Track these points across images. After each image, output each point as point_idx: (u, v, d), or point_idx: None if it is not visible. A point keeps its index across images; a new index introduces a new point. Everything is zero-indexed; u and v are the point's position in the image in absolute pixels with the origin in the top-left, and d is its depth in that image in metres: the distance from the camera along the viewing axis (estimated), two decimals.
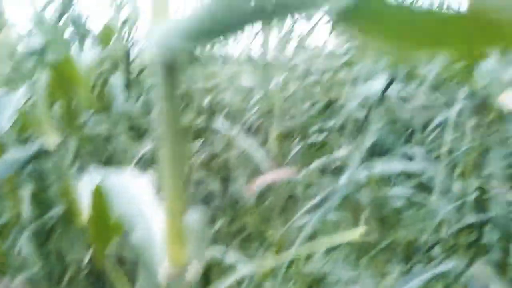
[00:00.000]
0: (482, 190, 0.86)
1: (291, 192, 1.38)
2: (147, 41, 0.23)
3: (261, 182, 0.76)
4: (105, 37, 1.43)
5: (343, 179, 0.83)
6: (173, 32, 0.20)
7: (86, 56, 1.29)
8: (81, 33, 1.46)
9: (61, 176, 0.73)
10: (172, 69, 0.22)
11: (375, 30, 0.16)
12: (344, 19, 0.16)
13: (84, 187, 0.58)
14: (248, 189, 0.77)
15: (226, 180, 1.93)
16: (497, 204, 0.79)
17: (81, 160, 1.12)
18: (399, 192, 1.14)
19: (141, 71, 1.53)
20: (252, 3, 0.18)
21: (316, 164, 1.05)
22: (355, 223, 1.23)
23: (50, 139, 0.63)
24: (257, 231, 1.42)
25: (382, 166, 0.90)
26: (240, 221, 1.51)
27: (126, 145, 1.28)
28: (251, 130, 2.06)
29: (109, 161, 1.32)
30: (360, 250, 1.21)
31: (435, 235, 1.05)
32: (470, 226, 0.89)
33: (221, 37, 0.19)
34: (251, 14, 0.18)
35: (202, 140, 1.91)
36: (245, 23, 0.19)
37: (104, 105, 1.28)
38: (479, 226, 0.87)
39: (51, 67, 0.73)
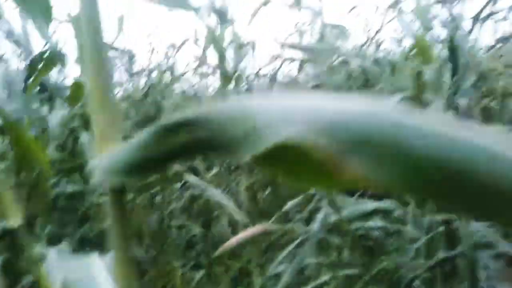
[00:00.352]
0: (448, 223, 0.89)
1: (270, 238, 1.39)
2: (92, 165, 0.24)
3: (237, 240, 0.77)
4: (75, 93, 1.44)
5: (316, 224, 0.85)
6: (114, 164, 0.21)
7: (56, 115, 1.29)
8: (51, 91, 1.47)
9: (29, 248, 0.72)
10: (119, 193, 0.23)
11: (283, 170, 0.18)
12: (260, 162, 0.18)
13: (51, 265, 0.58)
14: (225, 247, 0.78)
15: (207, 223, 1.91)
16: (463, 236, 0.82)
17: (54, 224, 1.10)
18: (374, 225, 1.16)
19: None
20: (182, 140, 0.20)
21: (289, 206, 1.07)
22: (338, 260, 1.23)
23: (13, 218, 0.63)
24: (241, 275, 1.40)
25: (353, 207, 0.92)
26: (222, 266, 1.49)
27: (100, 200, 1.27)
28: (230, 170, 2.07)
29: (85, 218, 1.31)
30: (344, 284, 1.21)
31: (413, 266, 1.07)
32: (443, 258, 0.91)
33: (158, 171, 0.21)
34: (182, 150, 0.20)
35: (181, 184, 1.90)
36: (176, 159, 0.21)
37: (76, 162, 1.27)
38: (450, 259, 0.89)
39: (11, 143, 0.73)
